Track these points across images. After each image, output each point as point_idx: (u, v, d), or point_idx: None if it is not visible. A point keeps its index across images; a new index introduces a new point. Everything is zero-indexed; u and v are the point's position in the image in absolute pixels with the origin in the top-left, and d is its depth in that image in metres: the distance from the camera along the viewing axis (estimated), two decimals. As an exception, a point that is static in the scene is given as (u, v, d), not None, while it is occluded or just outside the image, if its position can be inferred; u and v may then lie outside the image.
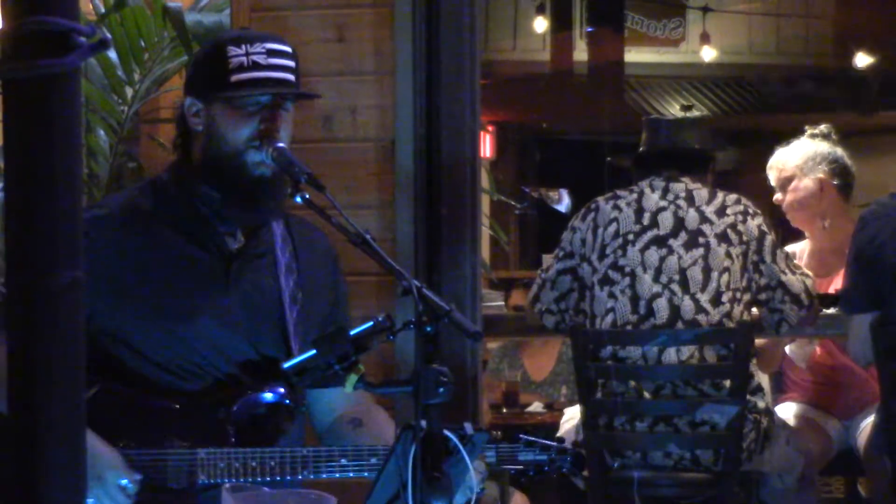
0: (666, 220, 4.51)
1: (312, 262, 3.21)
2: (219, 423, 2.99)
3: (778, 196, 5.16)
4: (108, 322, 2.98)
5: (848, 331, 4.43)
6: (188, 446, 2.93)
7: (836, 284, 4.88)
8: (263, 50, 3.02)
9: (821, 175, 5.09)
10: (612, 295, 4.48)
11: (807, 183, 5.10)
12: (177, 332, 3.00)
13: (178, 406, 2.98)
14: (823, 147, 5.13)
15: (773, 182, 5.19)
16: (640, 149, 4.77)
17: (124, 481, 2.85)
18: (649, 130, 4.78)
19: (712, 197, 4.55)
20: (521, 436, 3.05)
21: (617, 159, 4.99)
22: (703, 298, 4.42)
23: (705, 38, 14.39)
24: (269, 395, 3.01)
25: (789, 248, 5.04)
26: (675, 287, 4.43)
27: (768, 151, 5.27)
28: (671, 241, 4.48)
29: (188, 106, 3.07)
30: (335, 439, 3.13)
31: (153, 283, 3.01)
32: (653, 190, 4.58)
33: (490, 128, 13.90)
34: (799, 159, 5.12)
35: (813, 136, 5.17)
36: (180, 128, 3.13)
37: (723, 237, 4.46)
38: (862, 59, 13.95)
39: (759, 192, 5.24)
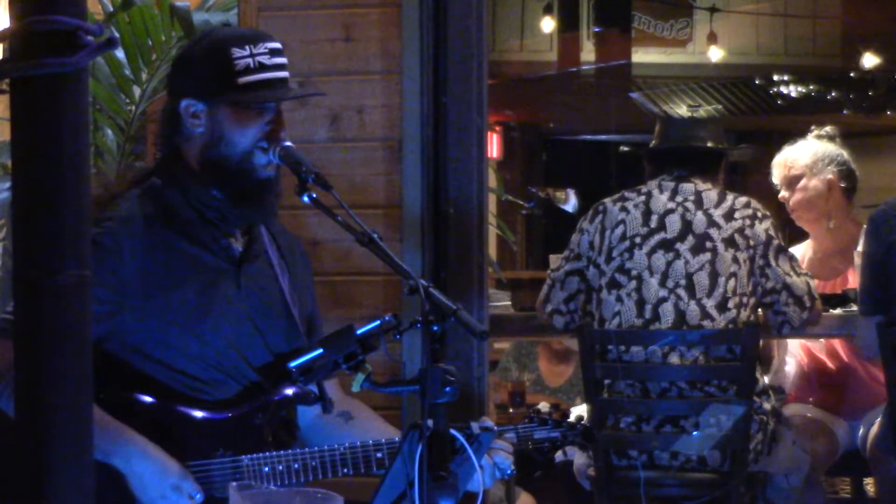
0: (673, 223, 4.50)
1: (296, 262, 3.24)
2: (257, 428, 2.99)
3: (784, 194, 5.16)
4: (135, 336, 2.95)
5: (857, 323, 4.45)
6: (232, 455, 2.94)
7: (843, 286, 4.89)
8: (266, 50, 3.02)
9: (830, 176, 5.10)
10: (618, 298, 4.48)
11: (816, 183, 5.11)
12: (202, 339, 2.99)
13: (215, 416, 2.97)
14: (831, 149, 5.15)
15: (777, 179, 5.19)
16: (653, 142, 4.75)
17: (195, 492, 2.87)
18: (662, 126, 4.77)
19: (721, 199, 4.53)
20: (533, 415, 3.10)
21: (630, 149, 4.97)
22: (710, 304, 4.41)
23: (712, 39, 14.36)
24: (298, 394, 3.02)
25: (792, 250, 5.04)
26: (682, 292, 4.43)
27: (775, 152, 5.26)
28: (678, 245, 4.47)
29: (185, 107, 3.03)
30: (323, 435, 3.12)
31: (174, 293, 2.98)
32: (661, 191, 4.57)
33: (497, 128, 13.89)
34: (808, 159, 5.13)
35: (819, 136, 5.18)
36: (169, 129, 3.08)
37: (730, 242, 4.45)
38: (870, 60, 13.93)
39: (766, 191, 5.23)
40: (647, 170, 4.70)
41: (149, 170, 3.12)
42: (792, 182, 5.14)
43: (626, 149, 4.59)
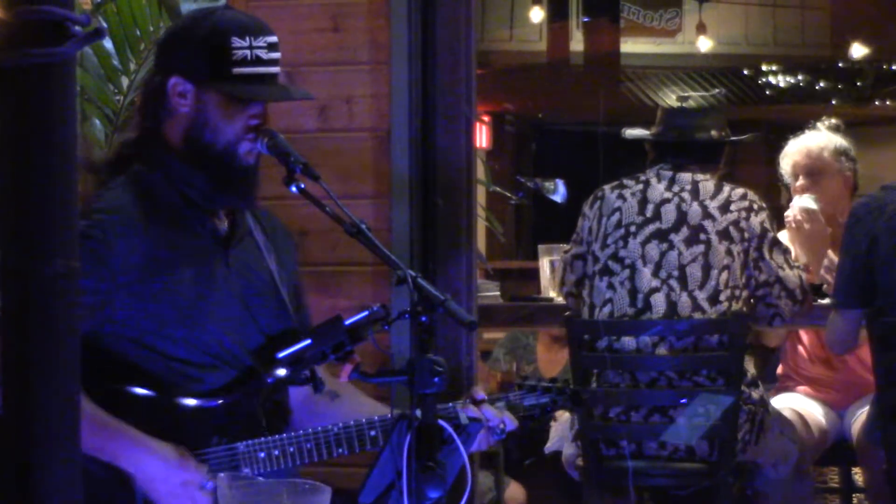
0: (669, 213, 4.50)
1: (281, 246, 3.22)
2: (252, 414, 2.98)
3: (802, 182, 5.08)
4: (129, 325, 2.93)
5: (830, 317, 4.45)
6: (227, 442, 2.92)
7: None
8: (265, 44, 3.01)
9: (848, 174, 5.09)
10: (611, 286, 4.49)
11: (839, 178, 5.06)
12: (196, 323, 2.97)
13: (210, 404, 2.95)
14: (846, 144, 5.09)
15: (792, 167, 5.11)
16: (653, 129, 4.72)
17: (205, 482, 2.84)
18: (664, 114, 4.73)
19: (718, 191, 4.52)
20: (522, 383, 3.12)
21: (633, 136, 4.85)
22: (701, 296, 4.41)
23: (701, 29, 14.38)
24: (290, 375, 3.00)
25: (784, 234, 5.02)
26: (674, 283, 4.43)
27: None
28: (672, 236, 4.48)
29: (173, 85, 3.02)
30: (312, 414, 3.11)
31: (165, 279, 2.96)
32: (659, 180, 4.57)
33: (486, 118, 13.89)
34: (832, 153, 5.05)
35: (832, 128, 5.12)
36: (153, 103, 3.06)
37: (724, 234, 4.45)
38: (858, 50, 13.96)
39: (755, 182, 5.21)
40: (649, 157, 4.70)
41: (130, 152, 3.09)
42: (813, 172, 5.06)
43: (631, 134, 4.50)
